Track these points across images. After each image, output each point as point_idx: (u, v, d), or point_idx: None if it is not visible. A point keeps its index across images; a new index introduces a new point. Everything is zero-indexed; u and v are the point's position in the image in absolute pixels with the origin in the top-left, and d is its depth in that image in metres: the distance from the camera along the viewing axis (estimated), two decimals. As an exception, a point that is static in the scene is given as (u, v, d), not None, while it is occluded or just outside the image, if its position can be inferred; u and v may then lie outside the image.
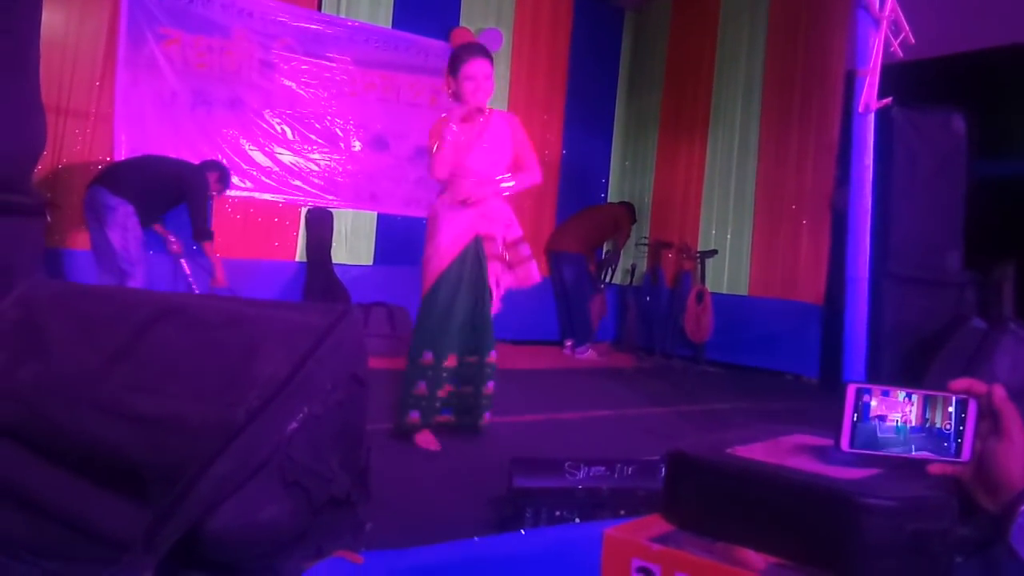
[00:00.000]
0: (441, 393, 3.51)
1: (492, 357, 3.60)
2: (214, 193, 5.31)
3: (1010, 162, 5.49)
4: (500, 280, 3.60)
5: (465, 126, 3.48)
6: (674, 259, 7.18)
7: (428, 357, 3.48)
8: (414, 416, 3.47)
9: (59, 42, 5.17)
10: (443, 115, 3.51)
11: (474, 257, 3.49)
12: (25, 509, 1.86)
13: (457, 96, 3.47)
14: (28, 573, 1.79)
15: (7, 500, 1.87)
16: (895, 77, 4.06)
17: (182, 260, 5.33)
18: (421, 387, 3.46)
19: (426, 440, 3.46)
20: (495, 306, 3.61)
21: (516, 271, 3.63)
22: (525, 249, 3.67)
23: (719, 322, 6.47)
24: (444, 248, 3.45)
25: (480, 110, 3.48)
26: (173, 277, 5.41)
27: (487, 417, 3.64)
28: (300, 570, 1.70)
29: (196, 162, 5.37)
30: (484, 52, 3.53)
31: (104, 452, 1.81)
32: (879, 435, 0.98)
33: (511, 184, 3.61)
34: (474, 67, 3.40)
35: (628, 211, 7.37)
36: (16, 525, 1.86)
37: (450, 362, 3.51)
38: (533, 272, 3.65)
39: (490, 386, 3.62)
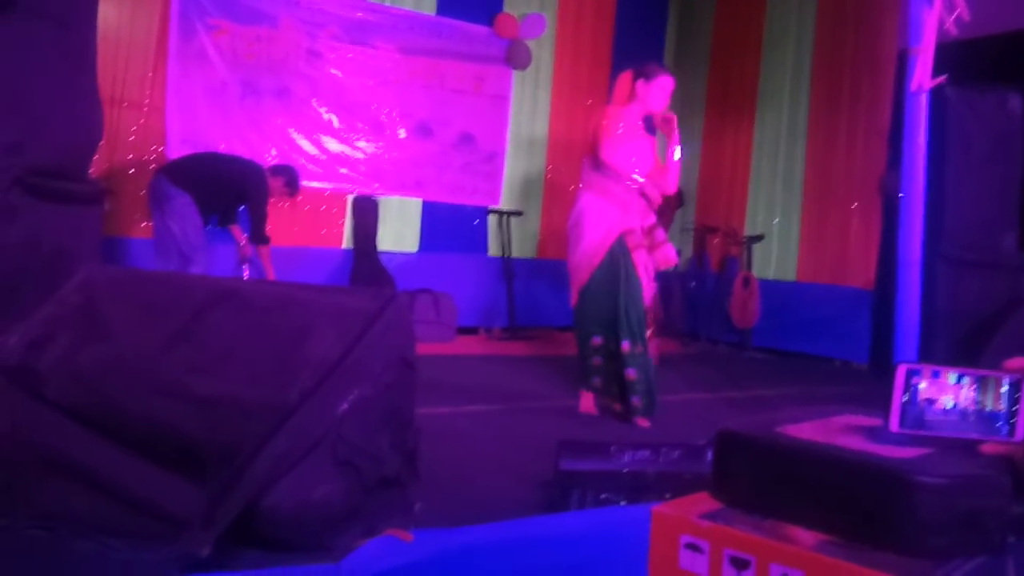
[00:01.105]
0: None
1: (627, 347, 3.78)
2: (282, 197, 5.43)
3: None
4: (647, 266, 3.88)
5: (632, 124, 3.87)
6: (720, 244, 7.11)
7: (597, 341, 3.84)
8: (596, 381, 3.88)
9: (112, 35, 5.30)
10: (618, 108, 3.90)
11: (620, 251, 3.78)
12: (88, 487, 1.93)
13: (639, 98, 3.88)
14: (90, 550, 1.86)
15: (71, 479, 1.94)
16: (949, 56, 3.95)
17: (244, 265, 5.42)
18: (596, 361, 3.86)
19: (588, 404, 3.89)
20: (648, 289, 3.87)
21: (655, 254, 3.93)
22: (660, 233, 3.99)
23: (766, 308, 6.40)
24: (592, 246, 3.81)
25: (651, 118, 3.93)
26: (236, 266, 5.52)
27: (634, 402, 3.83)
28: (352, 548, 1.74)
29: (253, 158, 5.49)
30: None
31: (163, 432, 1.87)
32: (929, 416, 0.98)
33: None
34: (669, 84, 3.90)
35: (674, 195, 7.31)
36: (79, 503, 1.93)
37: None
38: (670, 254, 3.99)
39: (630, 373, 3.79)
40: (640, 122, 3.94)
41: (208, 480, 1.79)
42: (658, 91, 3.88)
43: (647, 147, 3.96)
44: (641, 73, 3.93)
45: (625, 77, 3.98)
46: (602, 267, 3.78)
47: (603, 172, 3.85)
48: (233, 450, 1.74)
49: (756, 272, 6.59)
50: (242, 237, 5.32)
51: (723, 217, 7.12)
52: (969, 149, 4.78)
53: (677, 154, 4.00)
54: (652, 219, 3.98)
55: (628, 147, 3.85)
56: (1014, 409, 0.96)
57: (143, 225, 5.40)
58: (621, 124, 3.84)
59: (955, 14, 3.32)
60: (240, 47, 5.84)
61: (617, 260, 3.77)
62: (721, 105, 7.32)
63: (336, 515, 1.83)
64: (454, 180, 6.77)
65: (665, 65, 4.09)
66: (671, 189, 4.07)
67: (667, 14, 7.82)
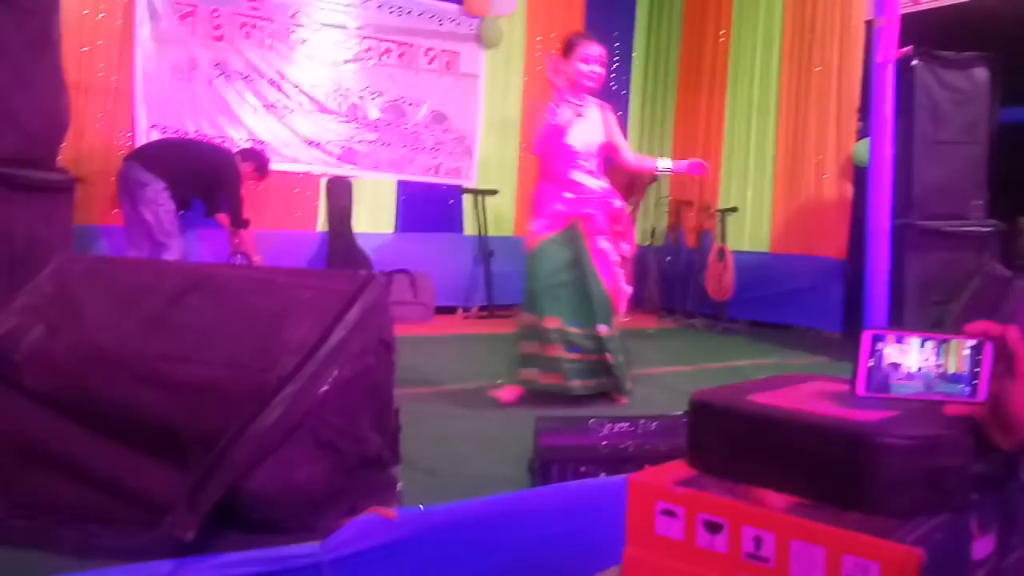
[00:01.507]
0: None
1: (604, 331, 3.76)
2: (252, 182, 5.41)
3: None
4: (606, 251, 3.84)
5: (568, 108, 3.73)
6: (695, 218, 7.15)
7: (530, 319, 3.77)
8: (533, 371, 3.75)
9: (76, 19, 5.20)
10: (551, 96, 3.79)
11: (573, 235, 3.76)
12: (69, 476, 1.93)
13: (568, 79, 3.73)
14: (72, 537, 1.86)
15: (51, 466, 1.94)
16: (915, 26, 4.00)
17: (237, 256, 5.40)
18: (523, 346, 3.75)
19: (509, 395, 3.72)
20: (613, 276, 3.84)
21: (627, 238, 3.97)
22: (627, 220, 4.01)
23: (741, 280, 6.46)
24: (543, 227, 3.78)
25: (586, 94, 3.80)
26: (228, 256, 5.49)
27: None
28: (335, 527, 1.76)
29: (223, 141, 5.46)
30: (600, 41, 3.87)
31: (143, 419, 1.87)
32: (894, 379, 1.01)
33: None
34: (592, 50, 3.74)
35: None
36: (60, 490, 1.94)
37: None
38: (622, 245, 3.94)
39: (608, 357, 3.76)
40: (576, 102, 3.76)
41: (190, 465, 1.80)
42: (580, 60, 3.73)
43: (590, 125, 3.83)
44: (564, 50, 3.83)
45: (551, 61, 3.83)
46: (551, 250, 3.74)
47: (553, 162, 3.80)
48: (214, 435, 1.75)
49: (730, 245, 6.65)
50: (236, 235, 5.29)
51: (697, 191, 7.16)
52: (936, 119, 4.84)
53: (662, 164, 4.12)
54: (619, 204, 3.92)
55: (571, 135, 3.74)
56: (976, 371, 0.99)
57: (114, 212, 5.34)
58: (551, 116, 3.69)
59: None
60: (208, 28, 5.76)
61: (572, 246, 3.75)
62: (693, 79, 7.34)
63: (319, 496, 1.85)
64: (428, 160, 6.75)
65: (586, 33, 4.02)
66: (630, 167, 4.16)
67: (637, -10, 7.80)
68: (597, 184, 3.86)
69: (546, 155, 3.82)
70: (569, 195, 3.78)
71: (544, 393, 3.67)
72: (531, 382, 3.72)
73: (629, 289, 3.99)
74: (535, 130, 3.83)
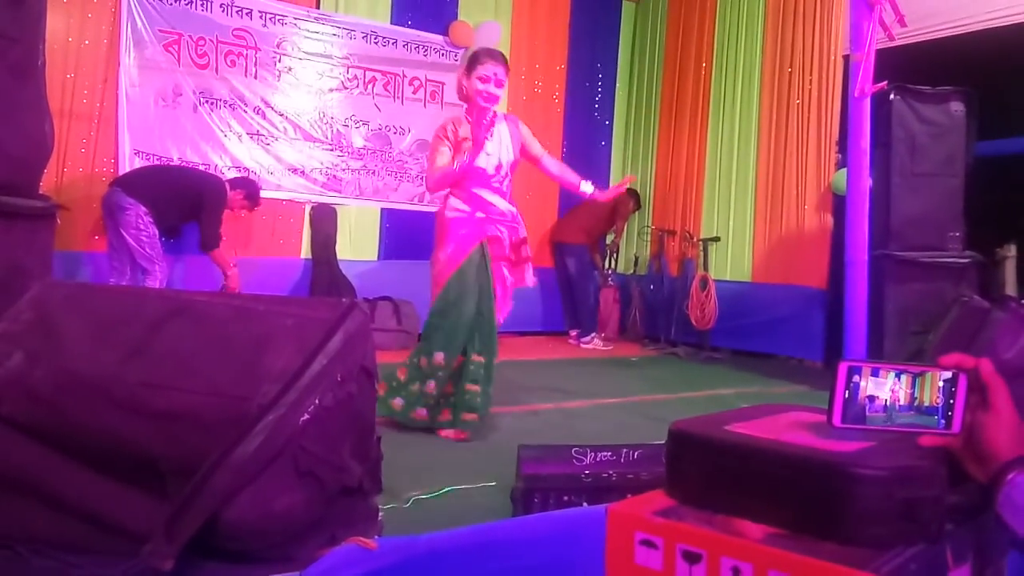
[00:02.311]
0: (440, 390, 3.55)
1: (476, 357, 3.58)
2: (242, 212, 5.40)
3: (1011, 141, 5.49)
4: (505, 280, 3.71)
5: (472, 128, 3.56)
6: (677, 247, 7.21)
7: (439, 358, 3.53)
8: (421, 413, 3.53)
9: (61, 46, 5.22)
10: (448, 117, 3.67)
11: (480, 260, 3.59)
12: (45, 504, 1.91)
13: (469, 98, 3.61)
14: (50, 567, 1.83)
15: (28, 495, 1.92)
16: (893, 60, 4.07)
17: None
18: (430, 386, 3.52)
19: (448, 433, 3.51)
20: (504, 305, 3.72)
21: (516, 271, 3.77)
22: (526, 251, 3.81)
23: (724, 308, 6.50)
24: (453, 254, 3.58)
25: (490, 112, 3.60)
26: (194, 280, 5.48)
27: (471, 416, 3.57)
28: (315, 557, 1.75)
29: (207, 168, 5.45)
30: (501, 56, 3.68)
31: (121, 447, 1.85)
32: (870, 411, 1.02)
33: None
34: (488, 68, 3.55)
35: (630, 197, 7.38)
36: (36, 520, 1.91)
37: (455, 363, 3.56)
38: (529, 275, 3.80)
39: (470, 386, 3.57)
40: (484, 120, 3.56)
41: (169, 494, 1.78)
42: (478, 79, 3.56)
43: (499, 144, 3.66)
44: (468, 65, 3.65)
45: (458, 80, 3.71)
46: (459, 274, 3.56)
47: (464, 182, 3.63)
48: (193, 464, 1.74)
49: (713, 274, 6.70)
50: (228, 267, 5.25)
51: (680, 220, 7.23)
52: (913, 151, 4.92)
53: (584, 187, 3.91)
54: (521, 235, 3.77)
55: (479, 157, 3.58)
56: (950, 403, 1.01)
57: (96, 238, 5.32)
58: (440, 145, 3.60)
59: (893, 20, 3.43)
60: (193, 57, 5.79)
61: (480, 273, 3.58)
62: (675, 112, 7.44)
63: (299, 525, 1.83)
64: (412, 188, 6.78)
65: (488, 50, 3.76)
66: (553, 176, 4.01)
67: (620, 21, 7.92)
68: (506, 206, 3.71)
69: (439, 188, 3.69)
70: (480, 214, 3.63)
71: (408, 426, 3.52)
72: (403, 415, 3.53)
73: (504, 311, 3.80)
74: (450, 143, 3.61)
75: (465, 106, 3.69)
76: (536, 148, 3.87)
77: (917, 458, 0.97)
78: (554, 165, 3.98)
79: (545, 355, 6.32)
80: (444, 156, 3.59)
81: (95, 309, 2.12)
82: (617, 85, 7.93)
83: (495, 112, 3.64)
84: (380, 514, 2.16)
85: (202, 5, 5.78)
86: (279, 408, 1.79)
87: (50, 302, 2.11)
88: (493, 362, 3.62)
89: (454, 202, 3.64)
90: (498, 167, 3.65)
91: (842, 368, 1.03)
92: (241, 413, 1.76)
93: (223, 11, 5.87)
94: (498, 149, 3.66)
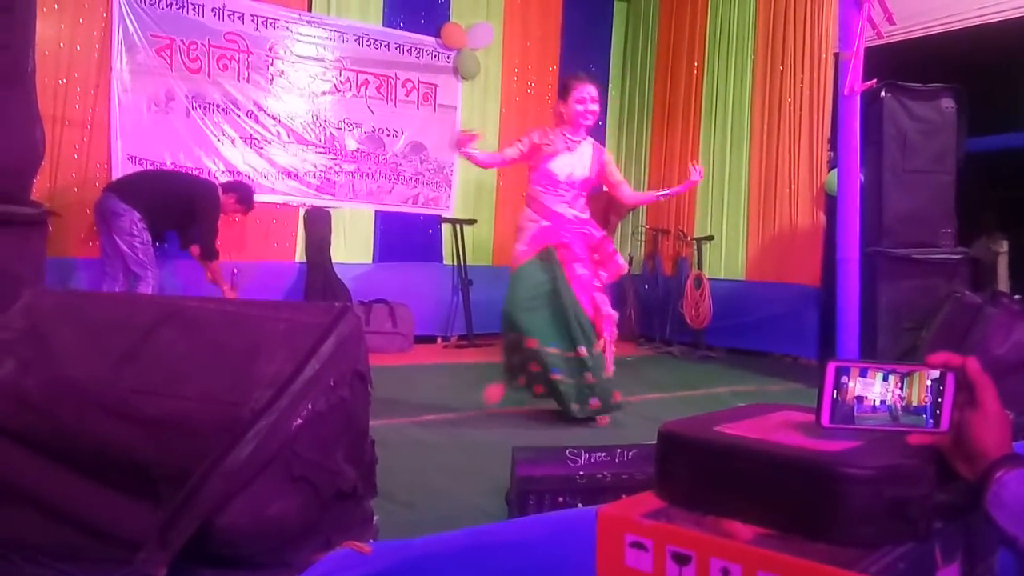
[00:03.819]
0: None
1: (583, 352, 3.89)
2: (236, 216, 5.40)
3: (1001, 137, 5.52)
4: (585, 278, 4.00)
5: (560, 138, 4.04)
6: (671, 246, 7.22)
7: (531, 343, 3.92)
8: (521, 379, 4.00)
9: (52, 52, 5.21)
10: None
11: (549, 264, 3.96)
12: (39, 512, 1.91)
13: (566, 118, 4.03)
14: (43, 575, 1.83)
15: (21, 503, 1.91)
16: (883, 58, 4.08)
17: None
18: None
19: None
20: (594, 303, 4.00)
21: (607, 267, 4.11)
22: (609, 245, 4.19)
23: (718, 307, 6.52)
24: (520, 253, 4.04)
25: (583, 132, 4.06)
26: (187, 286, 5.47)
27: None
28: (310, 562, 1.74)
29: (200, 173, 5.46)
30: (593, 79, 4.19)
31: (114, 454, 1.85)
32: (858, 411, 1.02)
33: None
34: (586, 91, 4.00)
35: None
36: (30, 528, 1.91)
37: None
38: (620, 265, 4.18)
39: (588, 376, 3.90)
40: (572, 137, 4.05)
41: (161, 501, 1.78)
42: (575, 102, 4.01)
43: (576, 159, 4.07)
44: (561, 92, 4.14)
45: (556, 109, 4.17)
46: (528, 272, 3.95)
47: (535, 187, 4.07)
48: (186, 470, 1.73)
49: (707, 272, 6.71)
50: (224, 284, 5.28)
51: (673, 220, 7.23)
52: (904, 148, 4.93)
53: (659, 193, 4.57)
54: (598, 234, 4.13)
55: (555, 163, 4.02)
56: (939, 401, 1.01)
57: (89, 244, 5.31)
58: (542, 137, 4.05)
59: (882, 19, 3.44)
60: (184, 61, 5.79)
61: (550, 270, 3.94)
62: (668, 111, 7.46)
63: (292, 531, 1.83)
64: (406, 190, 6.79)
65: (580, 75, 4.24)
66: (628, 202, 4.59)
67: (612, 21, 7.93)
68: (573, 214, 4.04)
69: (531, 178, 4.07)
70: (545, 223, 3.98)
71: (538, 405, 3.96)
72: (521, 390, 3.99)
73: (614, 313, 4.10)
74: (526, 143, 4.07)
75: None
76: (614, 176, 4.24)
77: (905, 457, 0.97)
78: (628, 192, 4.41)
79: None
80: (511, 150, 4.13)
81: (87, 316, 2.12)
82: (610, 85, 7.94)
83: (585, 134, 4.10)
84: (375, 518, 2.16)
85: (194, 9, 5.78)
86: (272, 413, 1.78)
87: (41, 310, 2.11)
88: (577, 353, 3.89)
89: (528, 209, 4.09)
90: (569, 178, 4.03)
91: (830, 368, 1.03)
92: (234, 419, 1.76)
93: (215, 15, 5.87)
94: (573, 163, 4.04)
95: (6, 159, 2.50)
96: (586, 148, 4.10)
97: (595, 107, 4.05)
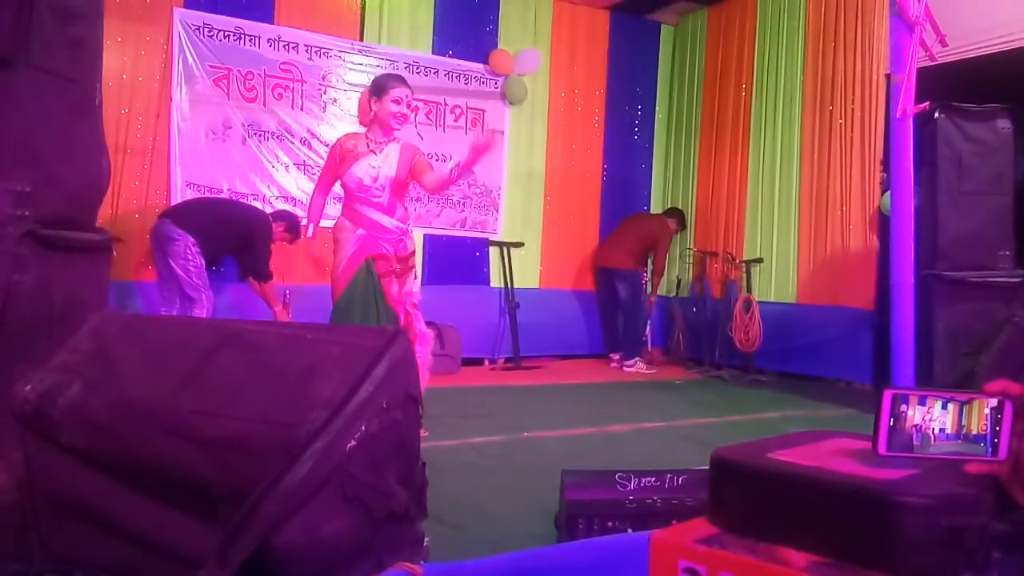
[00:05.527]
0: None
1: None
2: (284, 243, 5.53)
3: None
4: (397, 293, 3.86)
5: (361, 141, 3.89)
6: (719, 268, 7.16)
7: None
8: None
9: (116, 83, 5.41)
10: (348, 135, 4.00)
11: (366, 277, 3.79)
12: (101, 530, 1.96)
13: (375, 114, 3.87)
14: (106, 593, 1.88)
15: (84, 521, 1.97)
16: (936, 79, 4.02)
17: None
18: None
19: None
20: (406, 315, 3.86)
21: (403, 284, 3.91)
22: (412, 263, 4.03)
23: (768, 330, 6.43)
24: (343, 269, 3.84)
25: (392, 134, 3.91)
26: (240, 308, 5.60)
27: None
28: (363, 583, 1.77)
29: (256, 199, 5.61)
30: (404, 80, 4.00)
31: (175, 474, 1.90)
32: (915, 440, 1.02)
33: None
34: (401, 94, 3.87)
35: (675, 217, 7.36)
36: (92, 546, 1.96)
37: None
38: (412, 292, 3.97)
39: None
40: (377, 138, 3.91)
41: (220, 519, 1.82)
42: (392, 101, 3.87)
43: (381, 160, 3.89)
44: (373, 91, 3.94)
45: (362, 97, 4.02)
46: (351, 288, 3.78)
47: (346, 194, 3.92)
48: (244, 490, 1.77)
49: (756, 295, 6.63)
50: (275, 303, 5.40)
51: (722, 242, 7.18)
52: (960, 170, 4.84)
53: (450, 165, 4.09)
54: (408, 249, 3.98)
55: (360, 166, 3.85)
56: (997, 429, 1.00)
57: (148, 268, 5.47)
58: (342, 150, 3.90)
59: (935, 40, 3.40)
60: (242, 90, 5.95)
61: (365, 284, 3.78)
62: (716, 133, 7.42)
63: (346, 551, 1.86)
64: (454, 214, 6.86)
65: (398, 76, 4.16)
66: (426, 187, 4.10)
67: (659, 44, 7.94)
68: (393, 223, 3.91)
69: (342, 184, 3.92)
70: (362, 231, 3.84)
71: None
72: None
73: (430, 332, 3.98)
74: (329, 157, 3.98)
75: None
76: (423, 169, 3.97)
77: (963, 486, 0.97)
78: (429, 180, 4.01)
79: (587, 379, 6.31)
80: (319, 181, 4.10)
81: (150, 339, 2.19)
82: (657, 107, 7.94)
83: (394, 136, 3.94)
84: (426, 540, 2.18)
85: (250, 40, 5.95)
86: (327, 435, 1.82)
87: (107, 333, 2.18)
88: None
89: (341, 218, 3.92)
90: (374, 180, 3.85)
91: (887, 396, 1.03)
92: (290, 440, 1.80)
93: (270, 45, 6.03)
94: (378, 165, 3.86)
95: (77, 189, 2.59)
96: (393, 149, 3.93)
97: (407, 111, 3.93)
